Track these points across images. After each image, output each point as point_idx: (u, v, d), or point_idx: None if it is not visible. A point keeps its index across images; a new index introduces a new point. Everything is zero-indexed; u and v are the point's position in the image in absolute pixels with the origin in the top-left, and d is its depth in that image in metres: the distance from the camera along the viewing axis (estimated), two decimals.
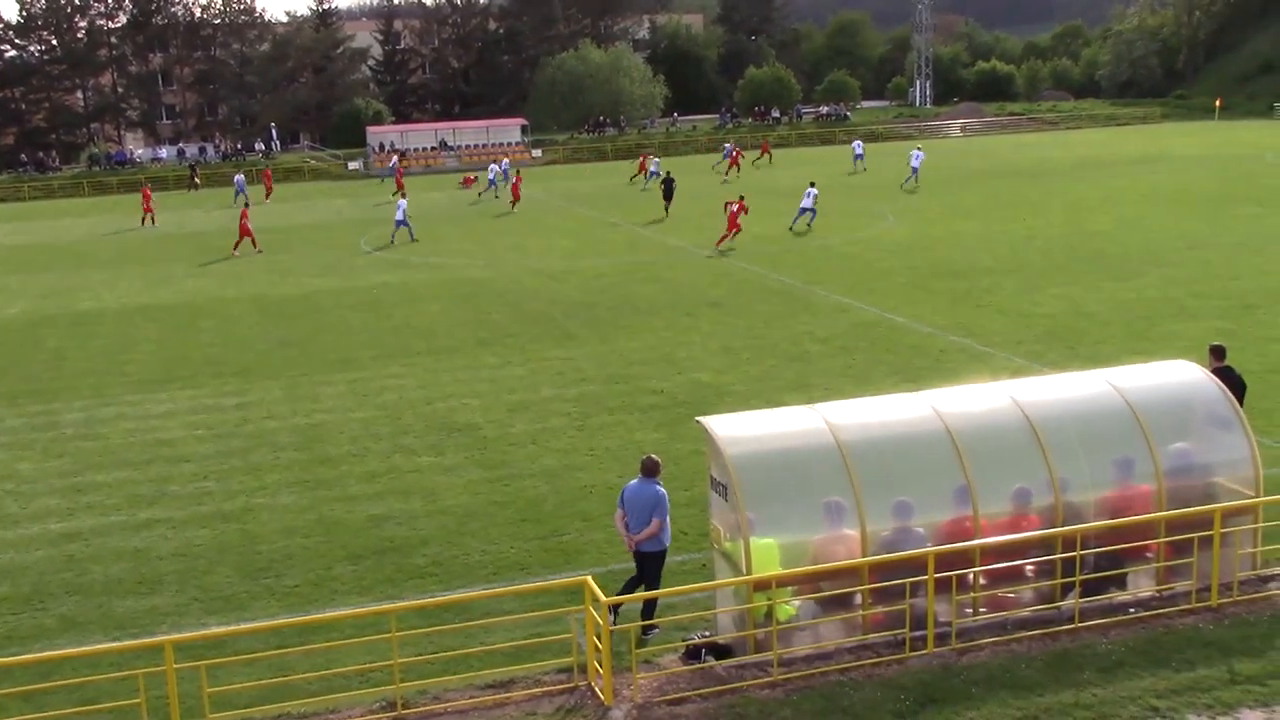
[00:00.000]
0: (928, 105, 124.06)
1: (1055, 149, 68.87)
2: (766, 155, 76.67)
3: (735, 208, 41.43)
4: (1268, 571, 13.36)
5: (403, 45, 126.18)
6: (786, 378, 23.28)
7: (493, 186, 65.47)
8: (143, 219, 57.41)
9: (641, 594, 12.75)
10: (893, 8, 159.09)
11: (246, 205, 53.97)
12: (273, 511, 17.53)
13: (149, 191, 60.32)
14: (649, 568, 12.95)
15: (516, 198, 57.65)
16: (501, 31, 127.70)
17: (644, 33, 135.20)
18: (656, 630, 12.84)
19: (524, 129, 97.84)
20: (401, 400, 23.32)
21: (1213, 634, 12.09)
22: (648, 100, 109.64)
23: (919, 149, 63.62)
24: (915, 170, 59.29)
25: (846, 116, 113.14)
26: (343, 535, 16.46)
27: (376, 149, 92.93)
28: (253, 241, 46.22)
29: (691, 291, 33.18)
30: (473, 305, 33.02)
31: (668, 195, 52.80)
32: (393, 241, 46.81)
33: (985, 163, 70.43)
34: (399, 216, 47.30)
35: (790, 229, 44.63)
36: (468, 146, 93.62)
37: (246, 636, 12.95)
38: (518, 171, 63.80)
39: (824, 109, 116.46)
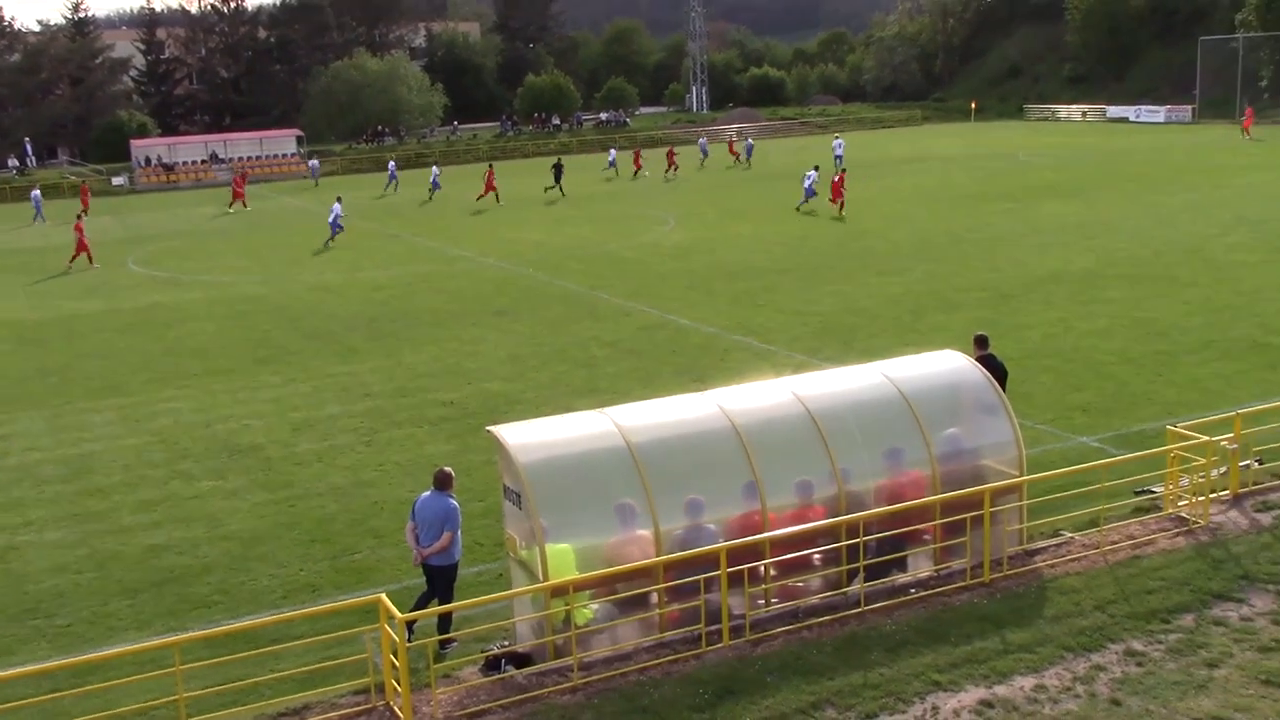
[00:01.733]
0: (704, 110, 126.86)
1: (825, 152, 71.31)
2: (673, 167, 71.74)
3: (837, 179, 47.53)
4: (1033, 546, 14.16)
5: (167, 55, 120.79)
6: (575, 383, 23.38)
7: (435, 189, 64.60)
8: None
9: (437, 608, 12.58)
10: (666, 15, 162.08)
11: (79, 216, 50.69)
12: (39, 549, 16.54)
13: None
14: (441, 582, 12.80)
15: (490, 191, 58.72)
16: (272, 40, 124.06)
17: (420, 41, 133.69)
18: (454, 644, 12.69)
19: (299, 140, 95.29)
20: (177, 424, 22.37)
21: (987, 608, 12.74)
22: (427, 109, 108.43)
23: (839, 138, 69.00)
24: (839, 158, 63.17)
25: (626, 123, 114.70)
26: (118, 569, 15.66)
27: (142, 163, 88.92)
28: (89, 256, 44.10)
29: (476, 301, 32.97)
30: (250, 323, 31.96)
31: (558, 178, 60.79)
32: (327, 245, 46.36)
33: (760, 166, 72.42)
34: (332, 219, 46.96)
35: (797, 209, 48.30)
36: (241, 159, 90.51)
37: (14, 682, 12.15)
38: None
39: (603, 116, 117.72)
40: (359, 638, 12.12)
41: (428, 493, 12.98)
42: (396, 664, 11.13)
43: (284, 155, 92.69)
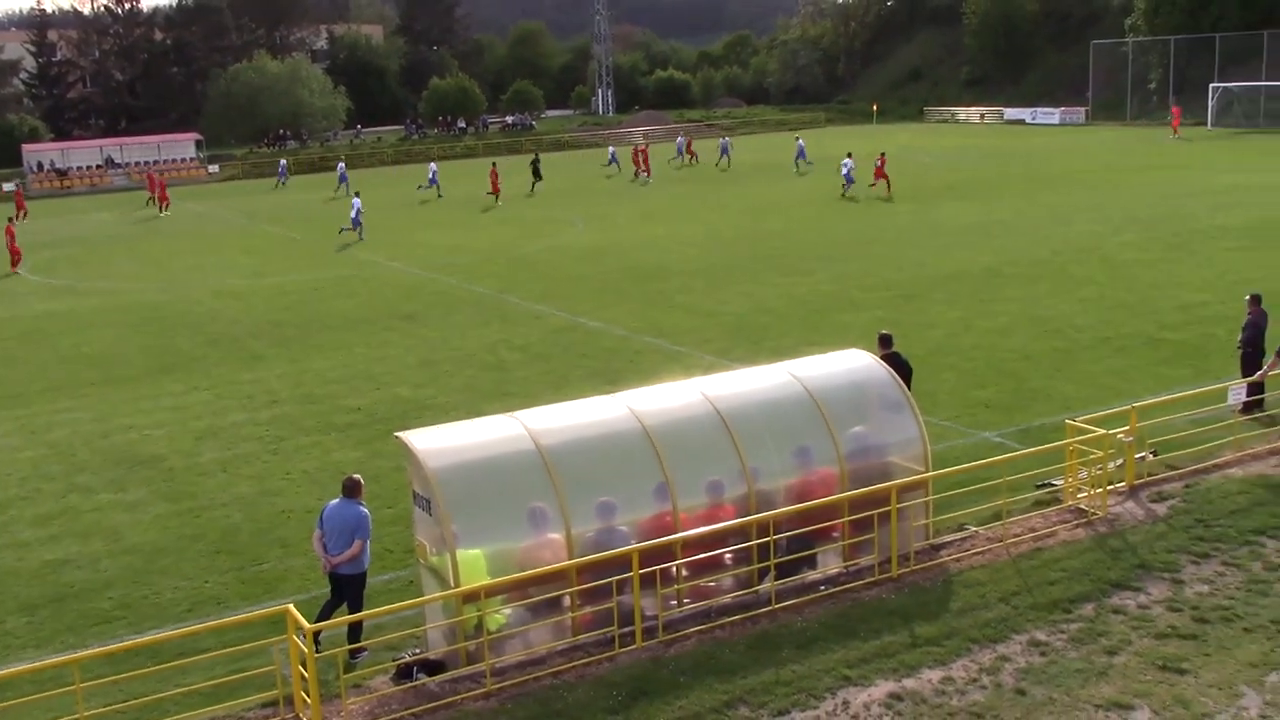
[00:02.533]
0: (610, 113, 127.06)
1: (733, 152, 71.84)
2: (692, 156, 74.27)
3: (879, 163, 50.99)
4: (939, 540, 14.43)
5: (59, 57, 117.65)
6: (486, 387, 23.26)
7: (434, 185, 63.99)
8: None
9: (347, 617, 12.42)
10: (570, 18, 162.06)
11: (11, 220, 49.74)
12: None
13: None
14: (349, 591, 12.66)
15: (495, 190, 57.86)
16: (169, 42, 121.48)
17: (322, 43, 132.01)
18: (365, 653, 12.55)
19: (198, 144, 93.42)
20: (75, 435, 21.80)
21: (895, 603, 12.94)
22: (329, 112, 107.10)
23: (799, 138, 69.99)
24: (801, 153, 64.77)
25: (532, 126, 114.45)
26: (14, 585, 15.21)
27: (34, 168, 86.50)
28: (13, 260, 43.69)
29: (385, 305, 32.64)
30: (150, 330, 31.27)
31: (536, 175, 62.53)
32: (360, 238, 46.46)
33: (668, 169, 72.68)
34: (354, 214, 47.07)
35: (843, 196, 50.57)
36: (137, 163, 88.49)
37: None
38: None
39: (509, 119, 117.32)
40: (267, 650, 11.93)
41: (336, 500, 12.82)
42: (305, 675, 10.97)
43: (183, 159, 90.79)
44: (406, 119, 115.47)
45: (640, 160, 67.38)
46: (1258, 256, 31.62)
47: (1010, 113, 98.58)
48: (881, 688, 11.19)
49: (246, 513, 17.31)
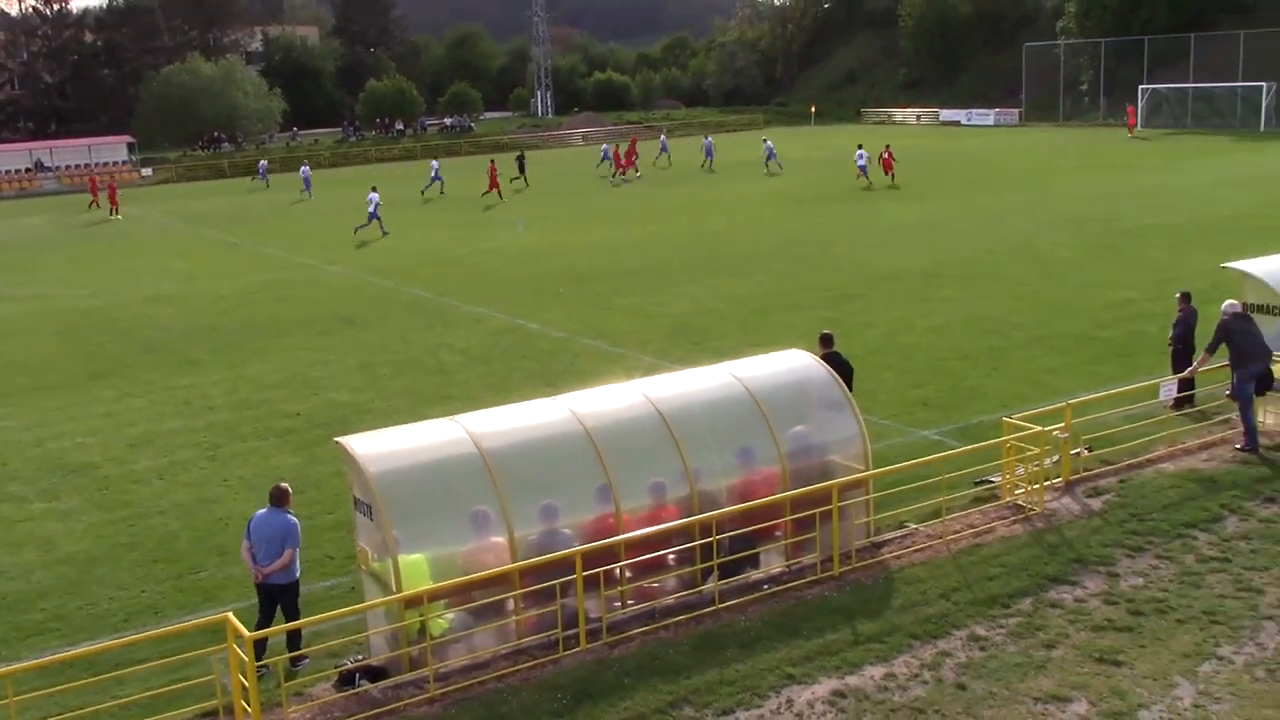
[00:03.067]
0: (549, 115, 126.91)
1: (671, 154, 72.04)
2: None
3: (886, 155, 55.16)
4: (880, 538, 14.55)
5: None
6: (426, 391, 23.12)
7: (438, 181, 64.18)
8: None
9: (286, 625, 12.26)
10: (509, 19, 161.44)
11: None
12: None
13: None
14: (284, 600, 12.47)
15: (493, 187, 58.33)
16: (100, 44, 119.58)
17: (257, 45, 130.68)
18: (306, 661, 12.41)
19: (131, 147, 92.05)
20: (6, 444, 21.38)
21: (837, 601, 13.03)
22: (265, 114, 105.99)
23: (767, 140, 69.91)
24: (771, 155, 65.23)
25: (470, 128, 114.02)
26: None
27: None
28: None
29: (323, 309, 32.34)
30: (82, 336, 30.75)
31: (521, 170, 65.22)
32: (383, 233, 47.43)
33: (608, 170, 72.68)
34: (371, 209, 47.86)
35: (865, 187, 53.79)
36: (67, 167, 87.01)
37: None
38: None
39: (448, 120, 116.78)
40: (206, 659, 11.77)
41: (263, 510, 12.63)
42: (246, 684, 10.84)
43: (115, 163, 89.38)
44: (343, 121, 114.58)
45: (627, 158, 67.15)
46: (1186, 255, 32.24)
47: (946, 114, 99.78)
48: (825, 685, 11.27)
49: (184, 520, 17.07)
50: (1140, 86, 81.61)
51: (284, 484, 12.84)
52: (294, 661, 12.21)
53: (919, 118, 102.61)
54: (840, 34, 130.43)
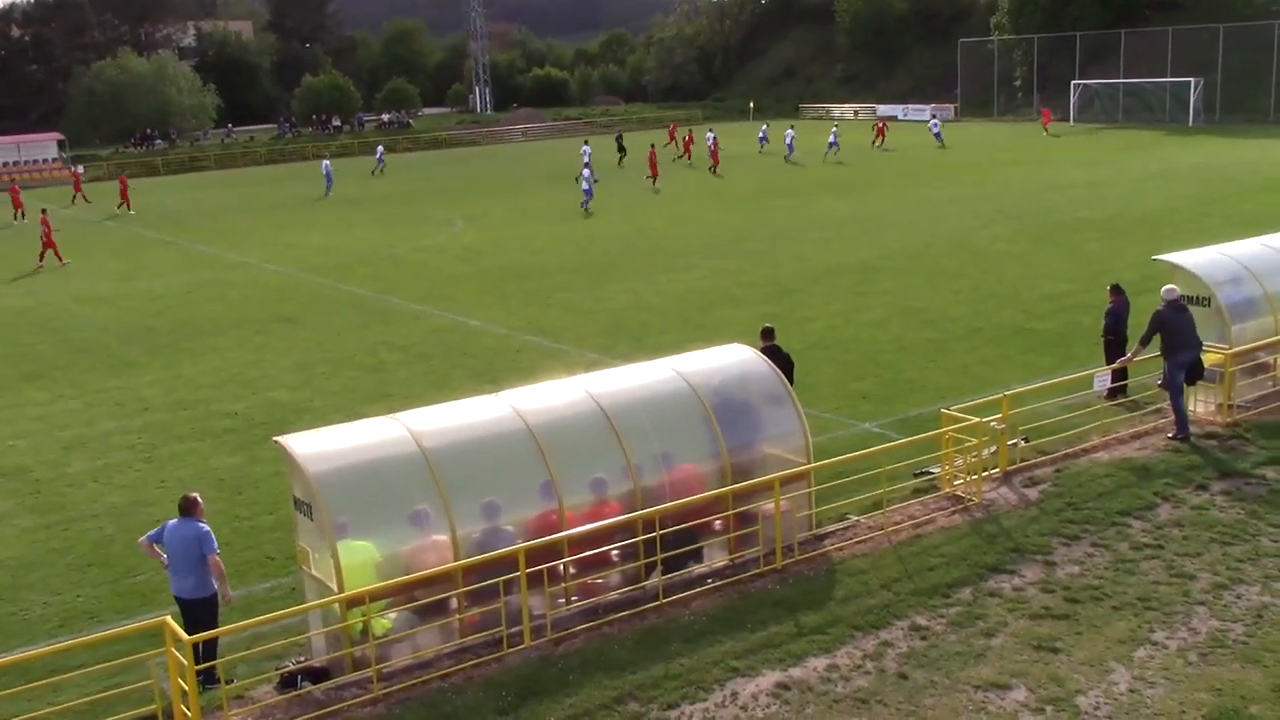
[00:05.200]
0: (488, 111, 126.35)
1: (610, 152, 72.03)
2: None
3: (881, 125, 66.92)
4: (822, 530, 14.65)
5: None
6: (366, 389, 22.94)
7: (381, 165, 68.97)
8: None
9: (218, 630, 11.88)
10: (446, 15, 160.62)
11: (44, 212, 46.43)
12: None
13: None
14: (203, 615, 11.93)
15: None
16: (27, 39, 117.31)
17: (190, 40, 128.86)
18: (215, 684, 11.70)
19: (61, 144, 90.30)
20: None
21: (780, 593, 13.11)
22: (199, 110, 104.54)
23: (791, 128, 71.28)
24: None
25: (409, 124, 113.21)
26: None
27: None
28: (57, 254, 42.31)
29: (260, 308, 31.97)
30: (11, 337, 30.14)
31: (621, 150, 70.52)
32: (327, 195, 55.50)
33: (548, 166, 72.58)
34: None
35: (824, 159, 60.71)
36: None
37: None
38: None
39: (385, 117, 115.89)
40: (144, 664, 11.58)
41: (174, 520, 12.21)
42: (185, 688, 10.69)
43: (44, 160, 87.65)
44: (279, 117, 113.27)
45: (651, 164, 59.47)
46: (1118, 247, 32.79)
47: (883, 109, 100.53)
48: (769, 678, 11.33)
49: (119, 523, 16.80)
50: (1073, 82, 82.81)
51: (194, 494, 12.36)
52: (205, 676, 11.52)
53: (856, 113, 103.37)
54: (778, 29, 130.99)
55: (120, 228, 54.05)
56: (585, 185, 49.61)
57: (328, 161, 66.00)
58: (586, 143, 65.66)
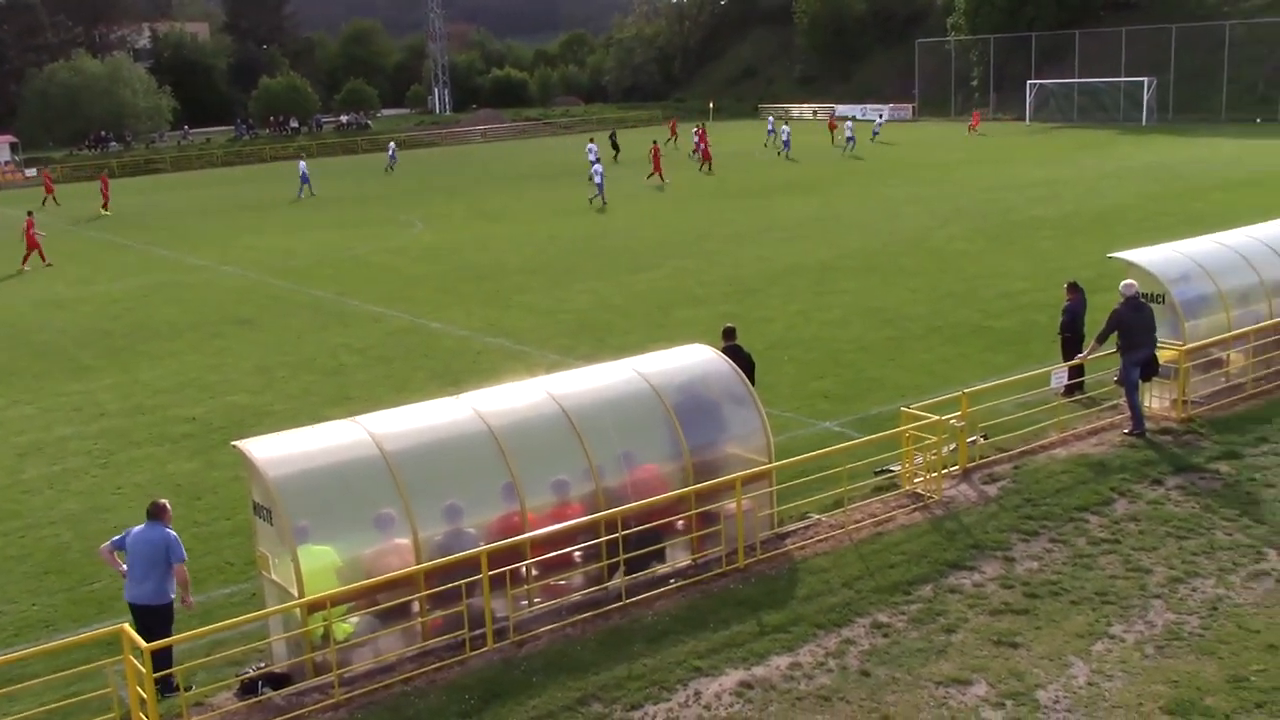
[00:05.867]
0: (447, 112, 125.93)
1: (571, 152, 72.00)
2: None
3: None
4: (783, 530, 14.71)
5: None
6: (326, 392, 22.80)
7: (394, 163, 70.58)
8: None
9: (183, 635, 11.80)
10: (404, 16, 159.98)
11: (30, 214, 46.07)
12: None
13: None
14: (157, 622, 11.73)
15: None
16: None
17: (144, 42, 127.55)
18: (174, 692, 11.58)
19: (14, 146, 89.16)
20: None
21: (742, 593, 13.15)
22: (154, 112, 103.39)
23: (784, 125, 73.15)
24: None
25: (368, 125, 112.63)
26: None
27: None
28: (41, 255, 42.03)
29: (218, 311, 31.70)
30: None
31: (615, 148, 70.61)
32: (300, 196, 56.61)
33: (508, 167, 72.47)
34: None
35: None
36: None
37: None
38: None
39: (344, 118, 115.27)
40: (102, 672, 11.46)
41: (140, 526, 12.06)
42: (144, 695, 10.59)
43: None
44: (236, 119, 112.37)
45: (655, 159, 59.32)
46: (1073, 245, 33.12)
47: (842, 109, 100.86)
48: (732, 677, 11.37)
49: (76, 530, 16.62)
50: (1028, 82, 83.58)
51: (163, 500, 12.23)
52: (163, 685, 11.31)
53: (815, 113, 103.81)
54: (737, 30, 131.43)
55: (76, 230, 53.41)
56: (597, 179, 50.48)
57: (304, 163, 65.63)
58: (593, 140, 65.83)
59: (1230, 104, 74.55)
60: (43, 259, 42.24)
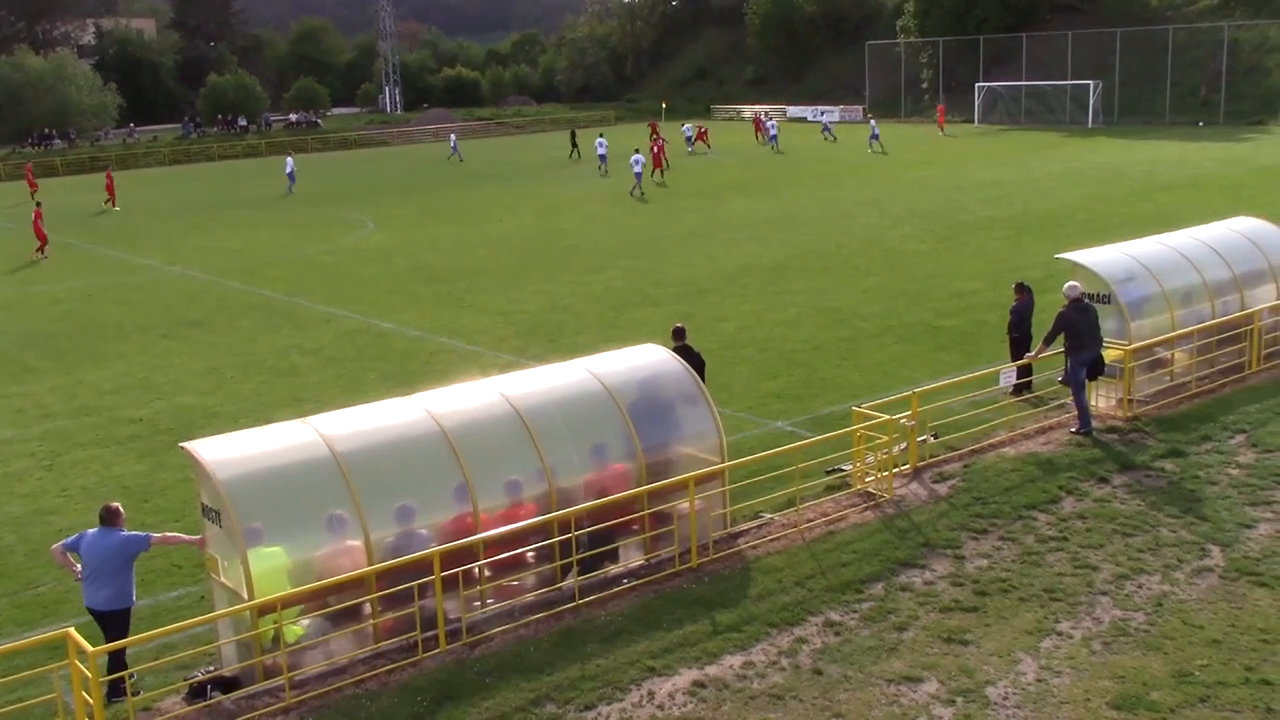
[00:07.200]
0: (399, 111, 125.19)
1: (523, 151, 71.84)
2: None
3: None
4: (736, 529, 14.76)
5: None
6: (277, 394, 22.60)
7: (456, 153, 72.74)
8: None
9: (130, 639, 11.67)
10: (355, 14, 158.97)
11: (39, 206, 46.80)
12: None
13: None
14: (118, 627, 11.61)
15: None
16: None
17: (89, 38, 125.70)
18: (122, 697, 11.42)
19: None
20: None
21: (696, 592, 13.18)
22: (99, 110, 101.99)
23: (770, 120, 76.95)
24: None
25: (317, 124, 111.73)
26: None
27: None
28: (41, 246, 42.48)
29: (166, 312, 31.32)
30: None
31: (574, 145, 71.62)
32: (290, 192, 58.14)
33: (459, 168, 72.11)
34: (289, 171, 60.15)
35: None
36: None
37: None
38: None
39: (293, 117, 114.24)
40: (47, 677, 11.30)
41: (94, 530, 11.88)
42: (90, 700, 10.45)
43: None
44: (184, 117, 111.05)
45: (659, 155, 58.07)
46: (1022, 246, 33.48)
47: (793, 110, 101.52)
48: (685, 676, 11.39)
49: (19, 533, 16.36)
50: (977, 84, 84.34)
51: (115, 504, 12.03)
52: (113, 690, 11.29)
53: (767, 114, 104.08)
54: (689, 31, 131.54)
55: (17, 229, 52.56)
56: (636, 169, 51.39)
57: (291, 159, 64.74)
58: (602, 135, 66.21)
59: (1173, 107, 75.61)
60: (41, 250, 42.87)
